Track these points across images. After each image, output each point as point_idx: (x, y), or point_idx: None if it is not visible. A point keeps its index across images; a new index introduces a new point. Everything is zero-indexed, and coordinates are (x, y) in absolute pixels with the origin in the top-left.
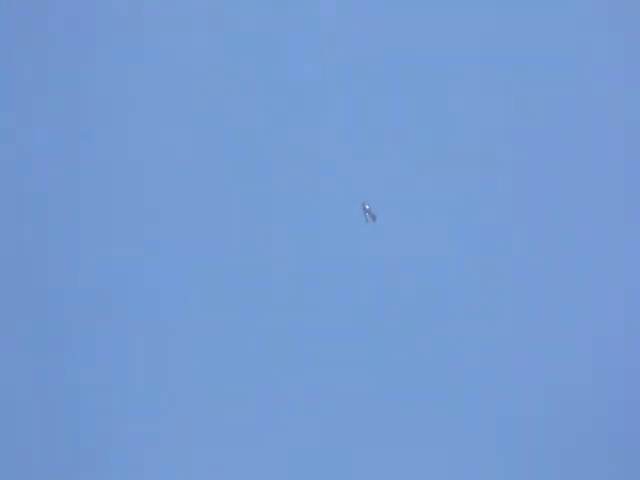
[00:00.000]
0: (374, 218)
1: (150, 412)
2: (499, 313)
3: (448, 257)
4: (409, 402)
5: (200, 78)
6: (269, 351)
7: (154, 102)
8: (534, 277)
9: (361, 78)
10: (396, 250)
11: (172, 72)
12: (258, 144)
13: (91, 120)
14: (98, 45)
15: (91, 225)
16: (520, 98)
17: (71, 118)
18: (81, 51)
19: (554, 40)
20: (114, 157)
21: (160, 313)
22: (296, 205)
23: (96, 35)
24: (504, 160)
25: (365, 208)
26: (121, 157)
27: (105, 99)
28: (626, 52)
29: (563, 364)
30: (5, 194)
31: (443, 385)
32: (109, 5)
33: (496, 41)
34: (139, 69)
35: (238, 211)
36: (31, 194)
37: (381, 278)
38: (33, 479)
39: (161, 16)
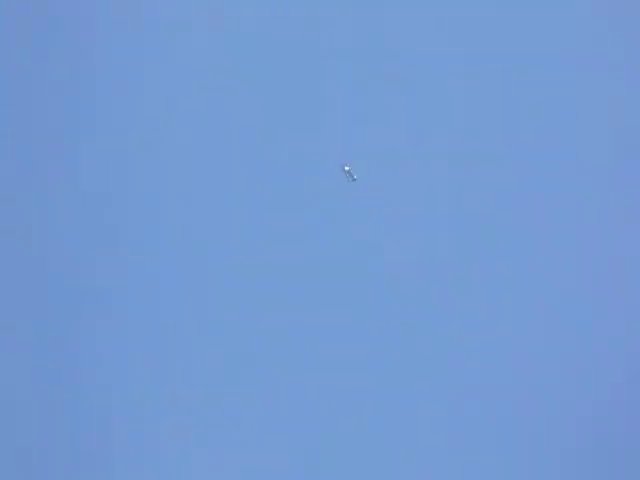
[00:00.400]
0: (354, 178)
1: (150, 412)
2: (496, 305)
3: (446, 248)
4: (409, 398)
5: (200, 77)
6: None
7: (154, 101)
8: (533, 265)
9: (361, 77)
10: (395, 244)
11: (172, 71)
12: (256, 141)
13: (90, 120)
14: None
15: (91, 224)
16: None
17: (70, 118)
18: (80, 50)
19: (554, 37)
20: (114, 157)
21: (160, 310)
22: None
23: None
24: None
25: (345, 170)
26: (121, 156)
27: (104, 99)
28: (626, 52)
29: (563, 363)
30: (5, 192)
31: (442, 382)
32: (109, 5)
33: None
34: (139, 68)
35: (237, 209)
36: (31, 192)
37: (379, 269)
38: (33, 479)
39: (161, 16)
